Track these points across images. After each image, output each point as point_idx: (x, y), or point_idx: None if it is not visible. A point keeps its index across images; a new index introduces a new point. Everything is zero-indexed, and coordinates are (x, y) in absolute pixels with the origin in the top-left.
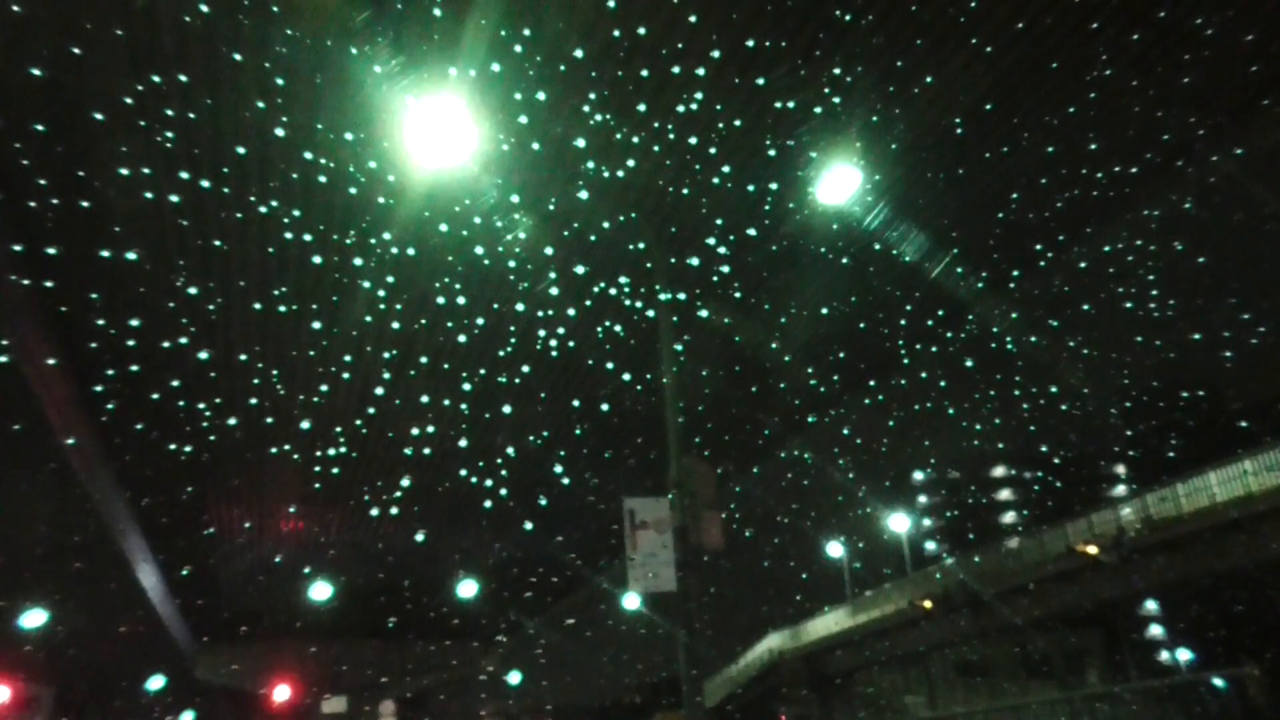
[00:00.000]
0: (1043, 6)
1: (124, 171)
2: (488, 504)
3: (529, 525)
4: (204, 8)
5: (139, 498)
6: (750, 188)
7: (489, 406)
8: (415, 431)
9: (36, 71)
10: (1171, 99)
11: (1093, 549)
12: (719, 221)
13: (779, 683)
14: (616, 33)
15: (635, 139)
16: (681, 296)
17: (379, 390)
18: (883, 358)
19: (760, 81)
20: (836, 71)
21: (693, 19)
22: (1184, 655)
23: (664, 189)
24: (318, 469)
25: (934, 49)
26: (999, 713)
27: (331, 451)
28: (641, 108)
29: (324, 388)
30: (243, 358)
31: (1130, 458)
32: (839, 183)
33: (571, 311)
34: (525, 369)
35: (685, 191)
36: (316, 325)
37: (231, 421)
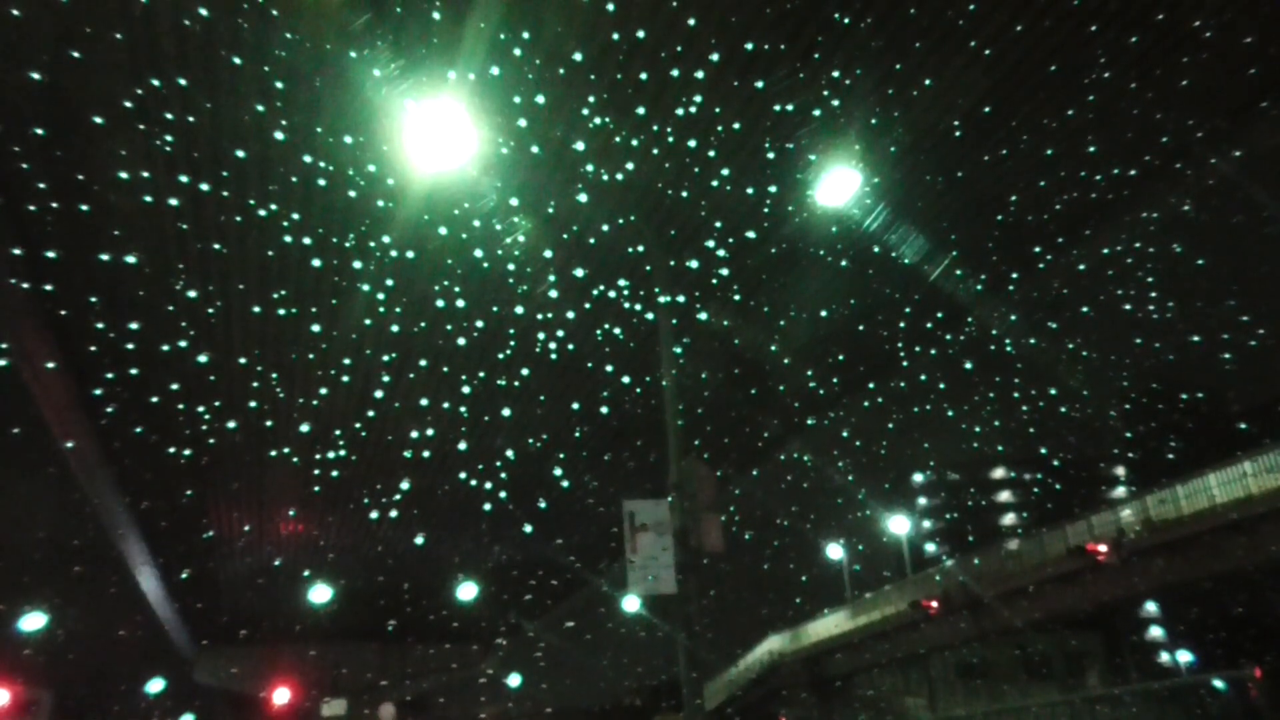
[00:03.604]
0: (1041, 9)
1: (123, 175)
2: (487, 507)
3: (529, 528)
4: (203, 11)
5: (138, 501)
6: (749, 190)
7: (488, 409)
8: (414, 434)
9: (36, 75)
10: (1170, 101)
11: (1103, 547)
12: (718, 224)
13: (779, 685)
14: (615, 35)
15: (634, 142)
16: (681, 299)
17: (378, 393)
18: (882, 360)
19: (759, 84)
20: (835, 74)
21: (691, 22)
22: (1184, 657)
23: (663, 192)
24: (317, 472)
25: (933, 51)
26: (999, 715)
27: (331, 454)
28: (640, 110)
29: (323, 391)
30: (242, 361)
31: (1130, 460)
32: (838, 185)
33: (571, 314)
34: (525, 372)
35: (684, 194)
36: (316, 328)
37: (231, 425)
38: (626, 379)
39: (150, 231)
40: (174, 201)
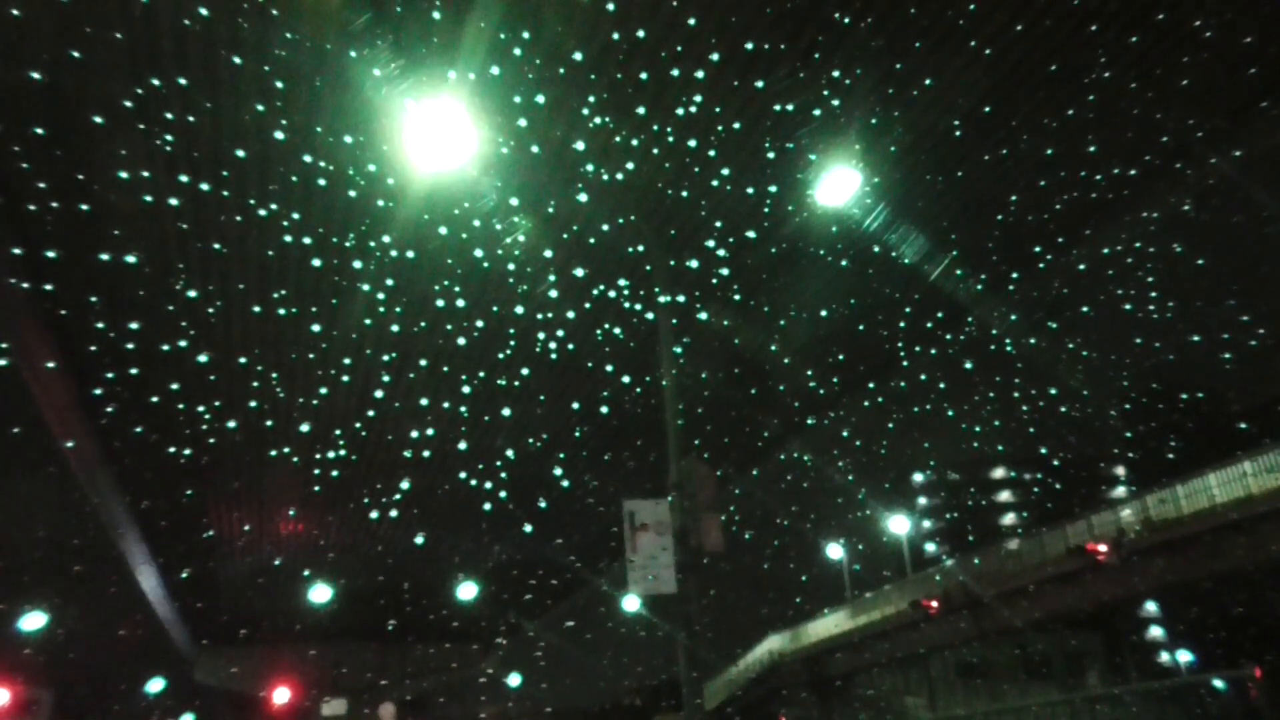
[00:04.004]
0: (1042, 9)
1: (123, 174)
2: (487, 506)
3: (529, 527)
4: (203, 11)
5: (138, 500)
6: (750, 190)
7: (488, 409)
8: (415, 434)
9: (36, 75)
10: (1170, 101)
11: (1103, 547)
12: (718, 224)
13: (779, 685)
14: (615, 35)
15: (634, 141)
16: (681, 299)
17: (378, 393)
18: (882, 359)
19: (759, 84)
20: (835, 74)
21: (692, 21)
22: (1184, 657)
23: (663, 191)
24: (317, 471)
25: (933, 51)
26: (999, 715)
27: (331, 454)
28: (641, 110)
29: (323, 390)
30: (242, 360)
31: (1130, 459)
32: (838, 185)
33: (571, 314)
34: (525, 371)
35: (685, 194)
36: (316, 328)
37: (231, 424)
38: (626, 379)
39: (150, 231)
40: (174, 201)
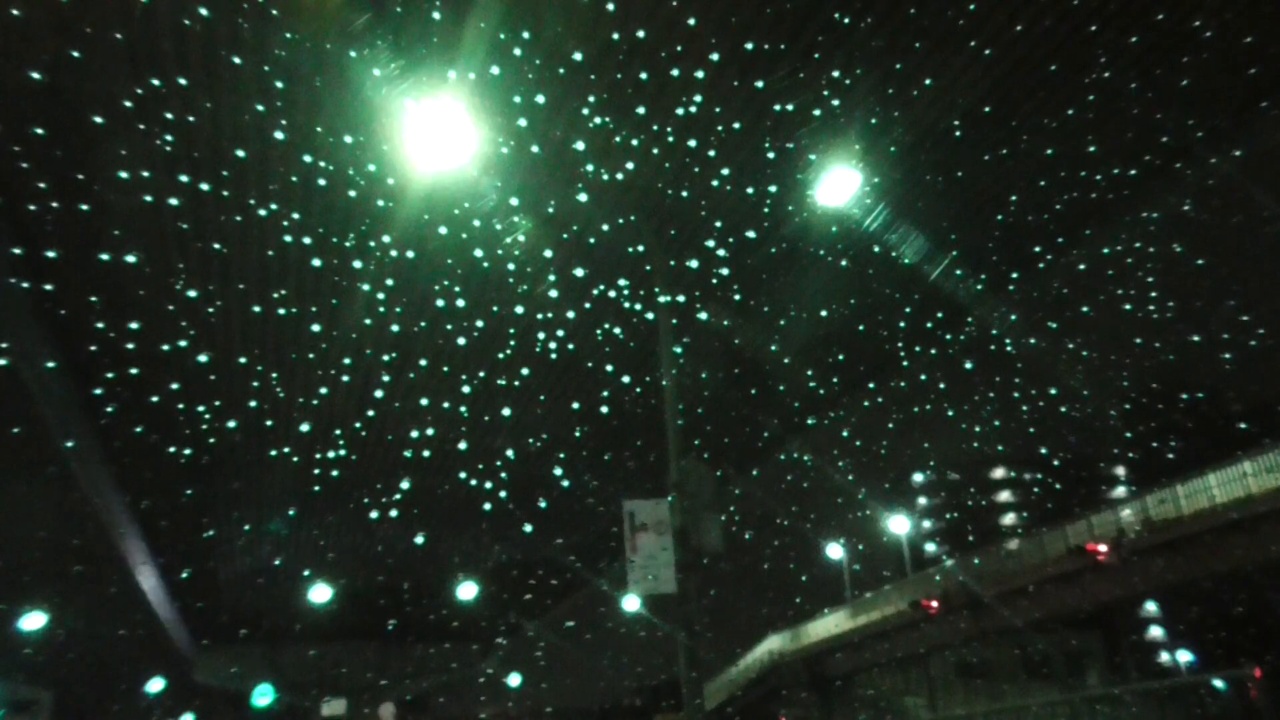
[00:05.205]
0: (1042, 9)
1: (124, 174)
2: (487, 506)
3: (529, 527)
4: (203, 11)
5: (138, 500)
6: (749, 190)
7: (488, 409)
8: (414, 434)
9: (36, 75)
10: (1170, 101)
11: (1103, 547)
12: (718, 224)
13: (779, 685)
14: (615, 35)
15: (634, 141)
16: (681, 299)
17: (378, 393)
18: (882, 360)
19: (759, 84)
20: (836, 74)
21: (692, 21)
22: (1184, 657)
23: (663, 191)
24: (317, 471)
25: (933, 51)
26: (999, 714)
27: (331, 454)
28: (641, 110)
29: (323, 390)
30: (242, 360)
31: (1130, 459)
32: (838, 185)
33: (571, 314)
34: (525, 371)
35: (685, 194)
36: (316, 328)
37: (231, 424)
38: (626, 379)
39: (150, 231)
40: (174, 201)
